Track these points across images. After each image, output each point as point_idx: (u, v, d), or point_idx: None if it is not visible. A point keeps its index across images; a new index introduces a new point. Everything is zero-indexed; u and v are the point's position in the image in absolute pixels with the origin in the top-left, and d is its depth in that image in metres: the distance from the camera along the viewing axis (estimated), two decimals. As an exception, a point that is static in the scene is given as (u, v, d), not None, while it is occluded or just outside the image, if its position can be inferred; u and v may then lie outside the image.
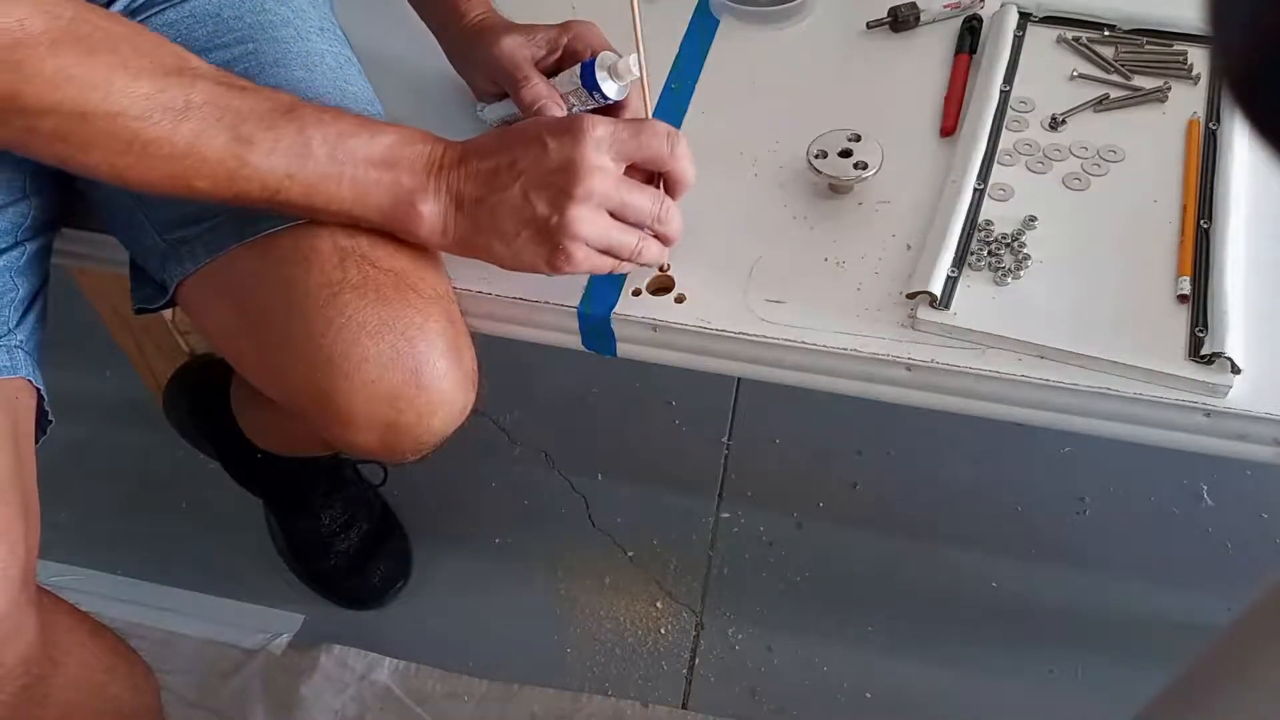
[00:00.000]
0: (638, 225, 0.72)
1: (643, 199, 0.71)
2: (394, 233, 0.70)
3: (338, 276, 0.68)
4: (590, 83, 0.79)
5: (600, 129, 0.68)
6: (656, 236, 0.73)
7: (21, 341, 0.76)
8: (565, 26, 0.83)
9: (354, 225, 0.70)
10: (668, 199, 0.72)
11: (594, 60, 0.79)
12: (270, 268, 0.70)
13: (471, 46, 0.84)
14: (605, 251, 0.70)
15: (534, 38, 0.82)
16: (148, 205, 0.77)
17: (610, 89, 0.79)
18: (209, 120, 0.63)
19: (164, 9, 0.80)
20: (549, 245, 0.69)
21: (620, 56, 0.79)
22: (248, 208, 0.68)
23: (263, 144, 0.64)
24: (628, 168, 0.72)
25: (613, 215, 0.70)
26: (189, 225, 0.74)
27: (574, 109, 0.81)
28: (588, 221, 0.68)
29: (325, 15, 0.86)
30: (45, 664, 0.74)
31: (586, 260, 0.70)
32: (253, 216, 0.71)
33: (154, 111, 0.61)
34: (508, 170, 0.68)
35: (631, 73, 0.78)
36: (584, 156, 0.67)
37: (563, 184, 0.67)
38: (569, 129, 0.68)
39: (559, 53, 0.82)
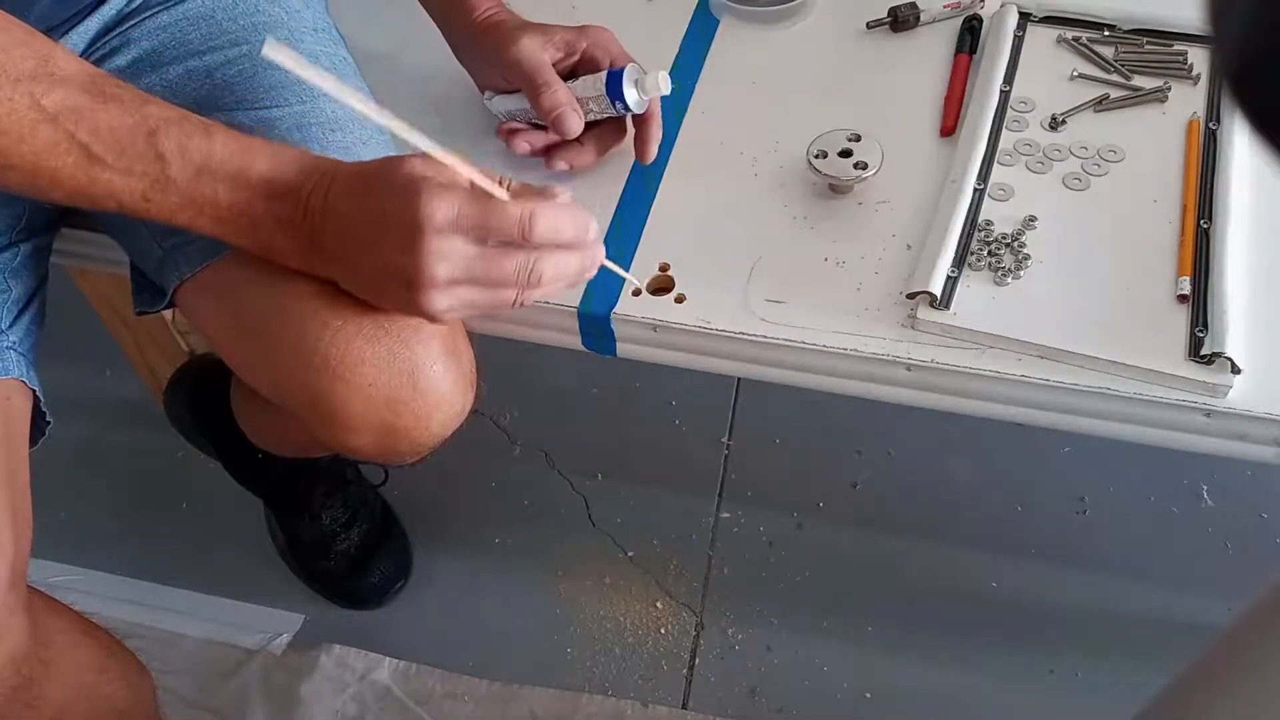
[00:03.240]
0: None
1: (505, 267, 0.63)
2: None
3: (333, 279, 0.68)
4: (616, 92, 0.79)
5: (442, 213, 0.60)
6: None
7: (15, 343, 0.76)
8: (583, 31, 0.82)
9: None
10: (544, 253, 0.63)
11: (622, 70, 0.79)
12: (266, 272, 0.70)
13: (483, 44, 0.83)
14: (489, 306, 0.65)
15: (552, 39, 0.81)
16: None
17: (633, 100, 0.79)
18: (60, 137, 0.60)
19: (158, 12, 0.80)
20: (418, 313, 0.65)
21: (646, 71, 0.79)
22: None
23: (116, 165, 0.62)
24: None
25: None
26: (184, 231, 0.74)
27: (591, 114, 0.81)
28: (446, 297, 0.63)
29: (319, 15, 0.86)
30: (36, 665, 0.74)
31: (468, 312, 0.65)
32: None
33: (3, 119, 0.59)
34: (360, 239, 0.64)
35: (659, 88, 0.79)
36: (424, 249, 0.61)
37: (410, 275, 0.62)
38: (408, 214, 0.61)
39: (576, 56, 0.82)
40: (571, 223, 0.64)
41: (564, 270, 0.65)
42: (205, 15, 0.80)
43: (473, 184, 0.62)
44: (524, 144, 0.84)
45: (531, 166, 0.85)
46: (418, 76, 0.92)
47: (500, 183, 0.64)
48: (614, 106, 0.80)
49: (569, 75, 0.82)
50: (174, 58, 0.79)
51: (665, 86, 0.79)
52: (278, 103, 0.76)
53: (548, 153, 0.84)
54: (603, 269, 0.70)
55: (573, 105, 0.79)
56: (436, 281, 0.62)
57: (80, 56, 0.78)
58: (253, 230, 0.65)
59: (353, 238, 0.64)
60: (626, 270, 0.76)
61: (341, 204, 0.64)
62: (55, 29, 0.77)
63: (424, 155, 0.61)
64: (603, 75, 0.80)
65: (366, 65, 0.87)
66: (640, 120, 0.82)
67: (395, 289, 0.63)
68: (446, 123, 0.90)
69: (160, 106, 0.64)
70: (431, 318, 0.65)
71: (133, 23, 0.80)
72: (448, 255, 0.61)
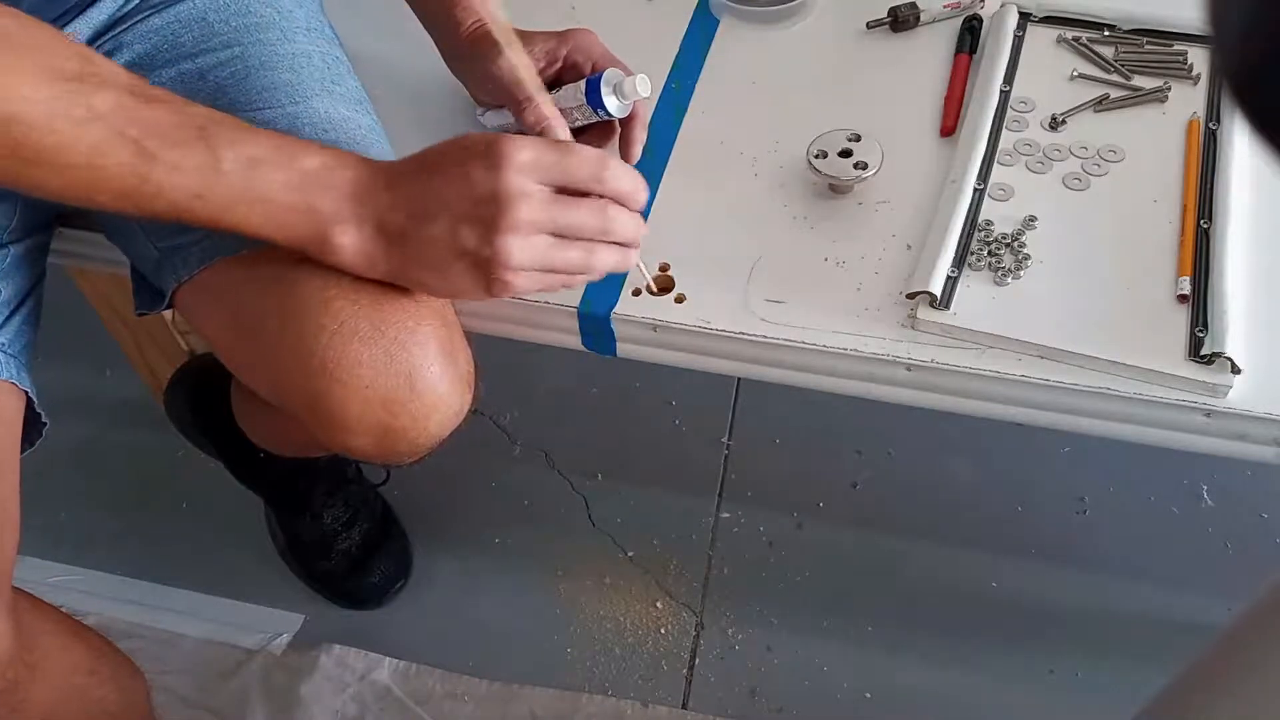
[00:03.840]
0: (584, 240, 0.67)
1: (580, 214, 0.66)
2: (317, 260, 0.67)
3: (330, 282, 0.68)
4: (595, 100, 0.79)
5: (525, 153, 0.64)
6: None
7: (4, 344, 0.76)
8: (564, 37, 0.82)
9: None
10: (613, 207, 0.67)
11: (599, 77, 0.79)
12: (263, 274, 0.70)
13: (469, 57, 0.83)
14: (550, 271, 0.67)
15: (533, 50, 0.81)
16: None
17: (614, 106, 0.79)
18: (112, 132, 0.60)
19: (150, 15, 0.80)
20: (485, 277, 0.65)
21: (625, 75, 0.79)
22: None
23: (168, 161, 0.61)
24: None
25: (555, 235, 0.66)
26: (181, 234, 0.74)
27: (577, 123, 0.81)
28: (521, 250, 0.64)
29: (313, 14, 0.85)
30: (22, 669, 0.74)
31: (529, 285, 0.66)
32: None
33: (54, 118, 0.59)
34: (435, 201, 0.65)
35: (638, 92, 0.78)
36: (508, 184, 0.63)
37: (489, 216, 0.63)
38: (490, 156, 0.64)
39: (559, 64, 0.82)
40: (633, 177, 0.68)
41: (627, 227, 0.68)
42: (197, 17, 0.80)
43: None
44: None
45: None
46: (415, 77, 0.92)
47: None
48: (597, 114, 0.80)
49: (555, 83, 0.82)
50: (167, 61, 0.79)
51: (644, 90, 0.78)
52: (271, 104, 0.76)
53: None
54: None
55: (556, 118, 0.79)
56: (518, 224, 0.63)
57: None
58: (309, 218, 0.65)
59: (425, 197, 0.65)
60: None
61: (408, 172, 0.66)
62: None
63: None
64: (583, 84, 0.79)
65: (365, 65, 0.87)
66: (624, 122, 0.82)
67: (473, 244, 0.64)
68: (442, 124, 0.90)
69: (202, 107, 0.64)
70: (505, 282, 0.65)
71: (125, 26, 0.80)
72: (529, 195, 0.64)
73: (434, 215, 0.65)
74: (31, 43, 0.59)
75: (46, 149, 0.59)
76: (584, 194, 0.67)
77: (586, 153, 0.66)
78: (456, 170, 0.64)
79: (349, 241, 0.65)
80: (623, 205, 0.67)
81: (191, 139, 0.62)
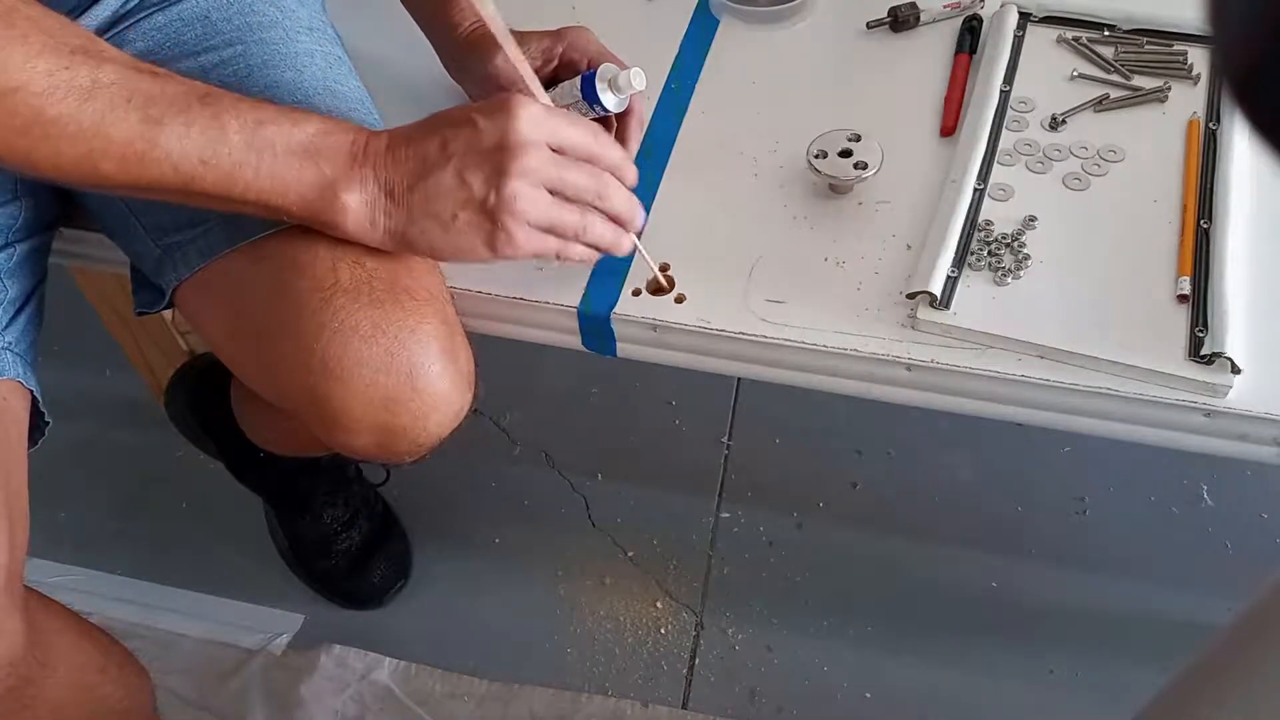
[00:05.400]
0: (580, 203, 0.70)
1: (581, 175, 0.68)
2: (318, 226, 0.68)
3: (330, 280, 0.68)
4: (591, 96, 0.79)
5: (531, 107, 0.67)
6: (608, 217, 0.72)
7: (11, 343, 0.76)
8: (559, 35, 0.82)
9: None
10: (608, 175, 0.70)
11: (594, 73, 0.79)
12: (263, 272, 0.70)
13: (466, 58, 0.83)
14: (549, 231, 0.68)
15: (528, 50, 0.81)
16: (140, 210, 0.77)
17: (610, 102, 0.79)
18: (118, 100, 0.61)
19: (152, 13, 0.80)
20: (488, 226, 0.66)
21: (620, 69, 0.79)
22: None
23: (174, 126, 0.62)
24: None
25: (552, 194, 0.68)
26: (181, 230, 0.74)
27: None
28: (527, 198, 0.66)
29: (315, 14, 0.86)
30: (33, 666, 0.74)
31: (529, 241, 0.68)
32: (244, 221, 0.70)
33: (57, 89, 0.59)
34: (439, 152, 0.66)
35: (632, 85, 0.78)
36: (517, 132, 0.65)
37: (498, 161, 0.65)
38: (501, 107, 0.66)
39: (555, 62, 0.82)
40: (623, 153, 0.71)
41: (619, 195, 0.71)
42: (200, 16, 0.80)
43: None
44: None
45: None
46: (416, 77, 0.92)
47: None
48: (593, 110, 0.80)
49: (551, 82, 0.82)
50: (169, 59, 0.79)
51: (639, 83, 0.78)
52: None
53: None
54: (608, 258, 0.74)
55: None
56: (526, 170, 0.65)
57: None
58: (317, 177, 0.65)
59: (431, 149, 0.66)
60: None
61: (411, 132, 0.68)
62: None
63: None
64: (579, 80, 0.80)
65: (365, 66, 0.87)
66: (620, 118, 0.82)
67: (481, 190, 0.66)
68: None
69: (203, 83, 0.65)
70: (509, 234, 0.67)
71: (128, 24, 0.80)
72: (536, 144, 0.66)
73: (441, 165, 0.66)
74: (35, 18, 0.60)
75: (53, 120, 0.59)
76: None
77: (583, 121, 0.70)
78: (464, 122, 0.67)
79: (354, 200, 0.66)
80: (621, 176, 0.71)
81: (196, 106, 0.63)
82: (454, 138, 0.66)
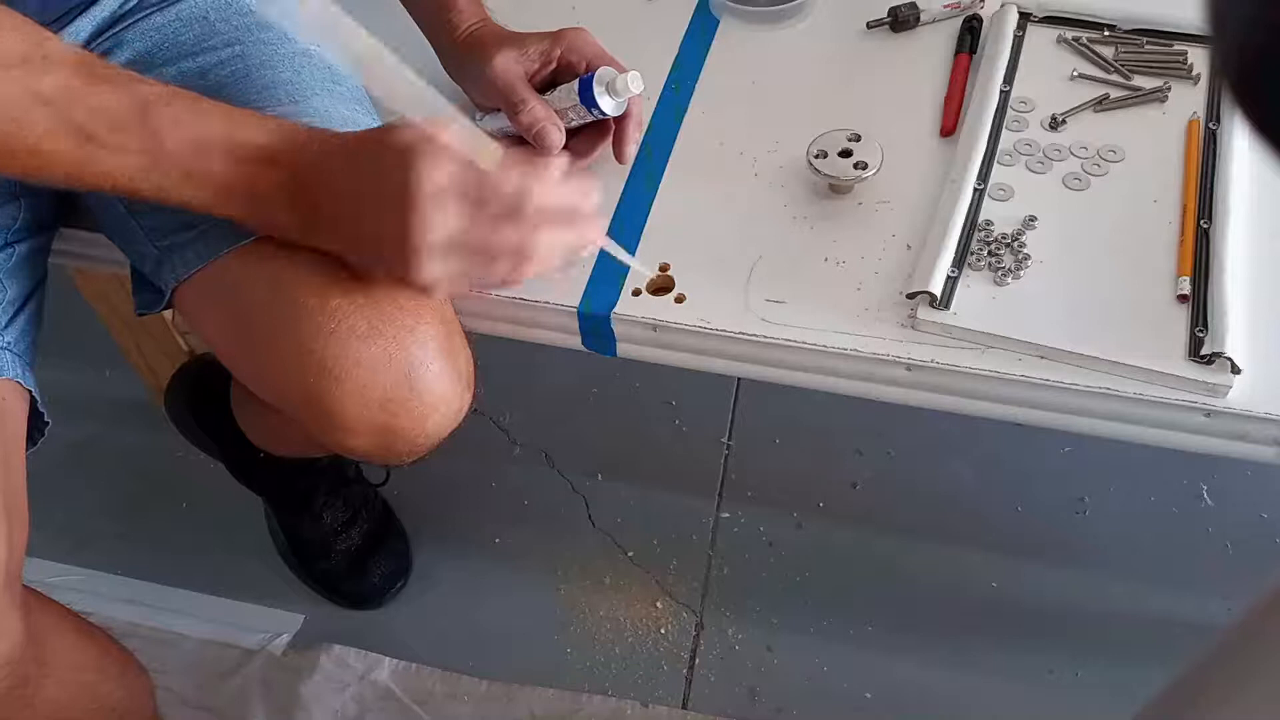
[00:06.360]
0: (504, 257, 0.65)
1: (497, 239, 0.63)
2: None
3: (329, 281, 0.68)
4: (589, 100, 0.79)
5: (434, 179, 0.61)
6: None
7: (10, 343, 0.76)
8: (557, 37, 0.82)
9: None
10: (535, 229, 0.63)
11: (592, 76, 0.79)
12: (261, 273, 0.70)
13: (464, 61, 0.83)
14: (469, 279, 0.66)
15: (526, 52, 0.81)
16: (139, 212, 0.77)
17: (608, 105, 0.79)
18: (59, 118, 0.61)
19: (151, 13, 0.80)
20: (412, 281, 0.64)
21: (618, 72, 0.79)
22: None
23: (112, 143, 0.62)
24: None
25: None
26: (180, 232, 0.74)
27: (573, 124, 0.81)
28: (438, 264, 0.63)
29: None
30: (32, 665, 0.74)
31: (460, 285, 0.66)
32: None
33: (1, 107, 0.60)
34: (360, 208, 0.64)
35: (630, 89, 0.78)
36: (418, 212, 0.61)
37: (403, 238, 0.62)
38: (401, 183, 0.61)
39: (553, 65, 0.82)
40: (569, 195, 0.65)
41: (558, 244, 0.65)
42: (198, 16, 0.80)
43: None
44: None
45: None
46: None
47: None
48: (591, 113, 0.80)
49: (549, 84, 0.82)
50: (167, 59, 0.79)
51: (636, 87, 0.78)
52: (271, 103, 0.76)
53: None
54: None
55: (551, 120, 0.79)
56: (429, 247, 0.62)
57: None
58: (252, 202, 0.66)
59: (350, 203, 0.64)
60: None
61: (339, 171, 0.65)
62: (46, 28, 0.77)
63: (425, 121, 0.61)
64: (576, 84, 0.79)
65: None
66: (618, 121, 0.82)
67: (391, 254, 0.64)
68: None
69: (150, 84, 0.64)
70: (424, 287, 0.65)
71: (126, 24, 0.80)
72: (441, 220, 0.62)
73: (357, 219, 0.65)
74: None
75: None
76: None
77: (506, 178, 0.62)
78: (375, 181, 0.63)
79: (290, 225, 0.67)
80: (562, 216, 0.65)
81: (134, 120, 0.62)
82: (375, 190, 0.63)
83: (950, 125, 0.86)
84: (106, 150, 0.62)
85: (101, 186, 0.64)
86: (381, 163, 0.63)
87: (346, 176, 0.65)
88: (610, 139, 0.84)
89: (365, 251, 0.66)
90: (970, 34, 0.91)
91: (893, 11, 0.93)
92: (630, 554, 1.24)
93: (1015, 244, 0.77)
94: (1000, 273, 0.75)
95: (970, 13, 0.93)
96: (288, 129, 0.66)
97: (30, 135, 0.61)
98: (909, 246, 0.79)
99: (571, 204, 0.65)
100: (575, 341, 0.80)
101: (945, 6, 0.94)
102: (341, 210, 0.65)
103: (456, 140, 0.62)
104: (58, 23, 0.78)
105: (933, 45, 0.93)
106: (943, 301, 0.74)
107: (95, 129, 0.62)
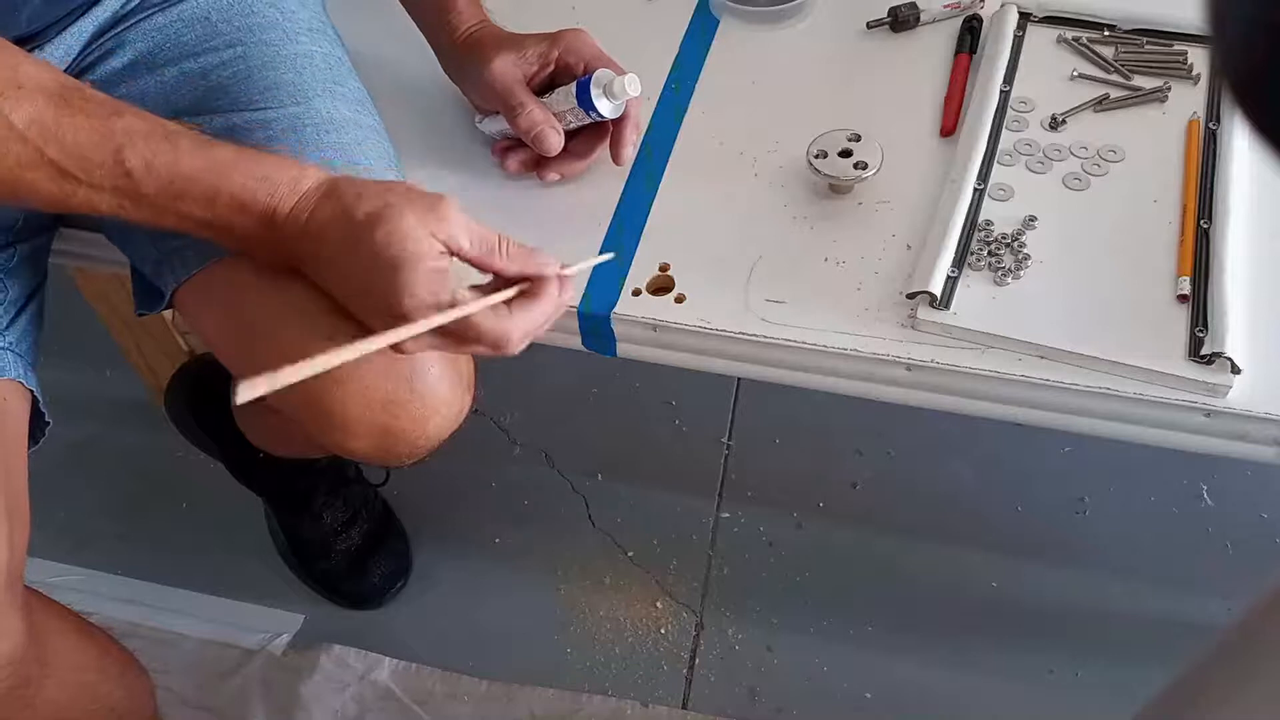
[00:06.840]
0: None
1: (475, 345, 0.64)
2: None
3: None
4: (586, 103, 0.79)
5: (421, 308, 0.61)
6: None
7: (11, 343, 0.76)
8: (555, 39, 0.82)
9: None
10: (505, 320, 0.64)
11: (589, 79, 0.79)
12: (261, 274, 0.70)
13: (464, 63, 0.83)
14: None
15: (525, 55, 0.81)
16: None
17: (605, 108, 0.79)
18: (33, 151, 0.60)
19: (153, 13, 0.80)
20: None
21: (616, 75, 0.79)
22: None
23: (88, 181, 0.62)
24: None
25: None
26: (179, 234, 0.74)
27: (570, 126, 0.81)
28: (422, 342, 0.63)
29: (316, 14, 0.85)
30: (33, 665, 0.74)
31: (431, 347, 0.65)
32: None
33: None
34: (345, 284, 0.64)
35: (627, 91, 0.78)
36: (400, 321, 0.61)
37: (388, 321, 0.62)
38: (389, 293, 0.61)
39: (551, 67, 0.82)
40: (545, 314, 0.65)
41: (534, 332, 0.66)
42: (200, 17, 0.80)
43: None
44: (514, 163, 0.84)
45: (528, 177, 0.85)
46: (417, 79, 0.92)
47: (500, 242, 0.64)
48: (589, 115, 0.80)
49: (548, 85, 0.82)
50: (169, 59, 0.79)
51: (634, 89, 0.78)
52: (272, 104, 0.76)
53: (539, 165, 0.84)
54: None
55: (549, 123, 0.79)
56: (406, 349, 0.62)
57: (70, 60, 0.78)
58: (231, 239, 0.66)
59: (334, 273, 0.65)
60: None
61: (323, 239, 0.64)
62: (48, 29, 0.77)
63: (420, 213, 0.61)
64: (574, 86, 0.79)
65: (367, 66, 0.87)
66: (615, 123, 0.82)
67: (376, 313, 0.64)
68: (444, 125, 0.90)
69: (128, 118, 0.63)
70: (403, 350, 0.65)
71: (128, 24, 0.80)
72: (421, 330, 0.61)
73: (340, 284, 0.65)
74: None
75: None
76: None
77: (487, 324, 0.63)
78: (361, 277, 0.63)
79: (269, 262, 0.68)
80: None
81: (108, 160, 0.62)
82: (361, 283, 0.63)
83: (950, 125, 0.86)
84: (83, 187, 0.62)
85: (85, 215, 0.65)
86: (372, 262, 0.61)
87: (333, 251, 0.64)
88: (605, 143, 0.84)
89: (347, 300, 0.66)
90: (970, 34, 0.91)
91: (893, 11, 0.93)
92: (630, 554, 1.24)
93: (1015, 244, 0.77)
94: (1000, 273, 0.75)
95: (970, 13, 0.93)
96: (265, 173, 0.64)
97: (8, 168, 0.61)
98: (909, 246, 0.79)
99: (549, 318, 0.65)
100: (575, 341, 0.80)
101: (945, 6, 0.94)
102: (325, 273, 0.66)
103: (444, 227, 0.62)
104: (60, 23, 0.78)
105: (933, 45, 0.93)
106: (943, 301, 0.74)
107: (69, 165, 0.61)
